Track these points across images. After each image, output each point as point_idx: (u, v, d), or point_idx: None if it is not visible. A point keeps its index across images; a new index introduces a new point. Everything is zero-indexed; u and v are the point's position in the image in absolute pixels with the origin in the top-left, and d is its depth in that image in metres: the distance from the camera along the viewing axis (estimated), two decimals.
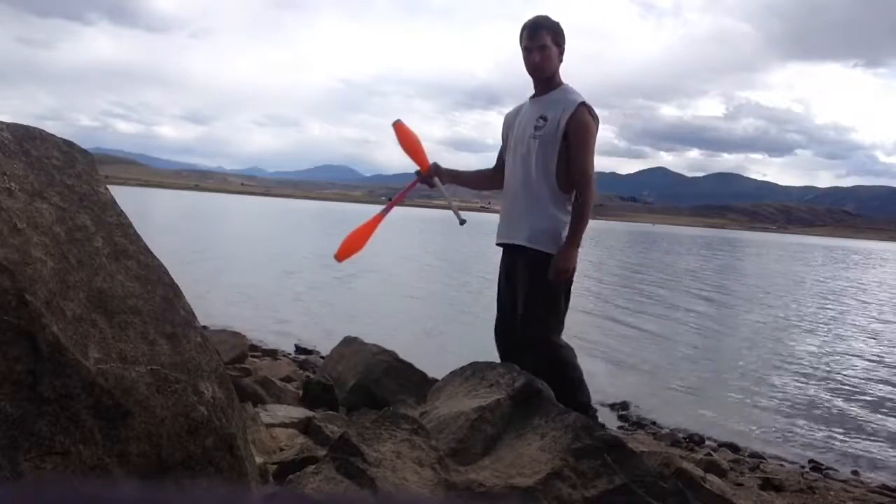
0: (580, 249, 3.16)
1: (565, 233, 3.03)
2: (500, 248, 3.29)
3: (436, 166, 3.18)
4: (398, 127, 3.18)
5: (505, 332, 3.23)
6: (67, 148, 1.80)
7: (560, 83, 3.09)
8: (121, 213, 1.80)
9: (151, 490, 0.41)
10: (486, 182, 3.48)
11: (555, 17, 3.09)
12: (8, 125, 1.69)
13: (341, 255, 2.97)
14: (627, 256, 31.05)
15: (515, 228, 3.10)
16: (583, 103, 2.99)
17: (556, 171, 3.01)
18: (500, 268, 3.27)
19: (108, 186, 1.85)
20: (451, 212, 3.29)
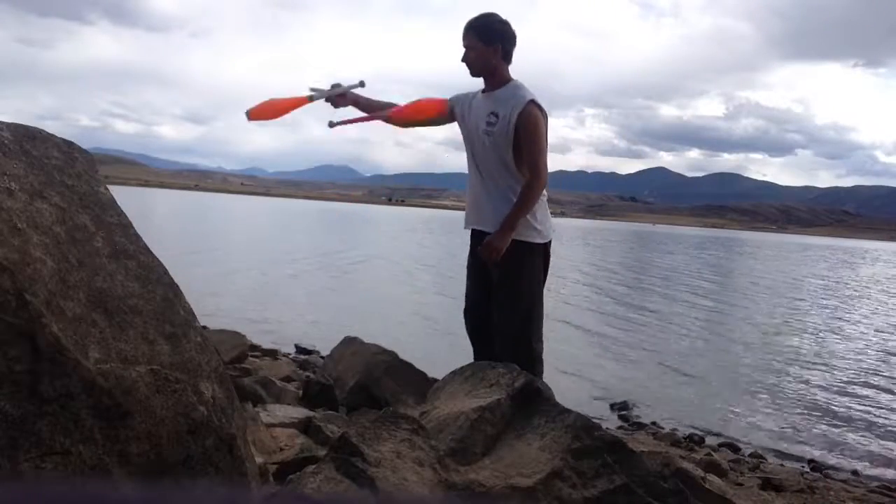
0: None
1: (535, 217, 3.09)
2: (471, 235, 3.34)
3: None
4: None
5: (474, 311, 3.28)
6: (67, 148, 1.80)
7: (508, 80, 3.15)
8: (121, 213, 1.80)
9: (151, 490, 0.41)
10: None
11: (503, 15, 3.13)
12: (8, 125, 1.69)
13: (253, 115, 2.96)
14: (626, 257, 31.05)
15: (485, 218, 3.15)
16: (532, 101, 3.05)
17: (515, 161, 3.08)
18: (471, 256, 3.30)
19: (108, 186, 1.85)
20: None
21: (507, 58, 3.14)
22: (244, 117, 2.97)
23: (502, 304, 3.11)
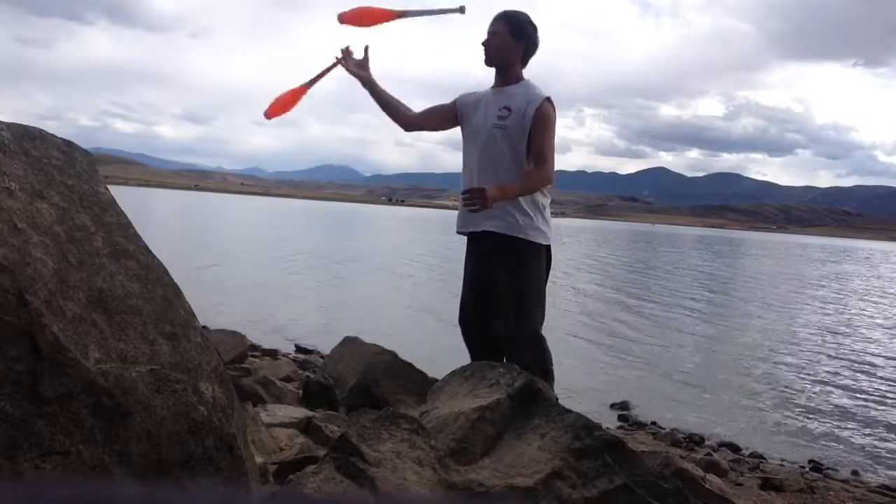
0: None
1: (544, 219, 3.05)
2: (467, 239, 3.24)
3: (366, 58, 3.17)
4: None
5: (473, 320, 3.19)
6: (67, 148, 1.80)
7: (522, 78, 3.11)
8: (121, 213, 1.80)
9: (151, 490, 0.41)
10: (397, 114, 3.30)
11: (538, 18, 3.11)
12: (8, 125, 1.69)
13: (272, 114, 3.04)
14: (626, 257, 31.05)
15: (490, 216, 3.01)
16: (549, 98, 3.04)
17: (522, 160, 3.03)
18: (471, 258, 3.21)
19: (108, 186, 1.85)
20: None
21: (525, 60, 3.11)
22: (263, 115, 3.06)
23: (513, 307, 3.03)
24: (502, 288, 3.06)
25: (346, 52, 3.16)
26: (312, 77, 3.15)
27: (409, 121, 3.32)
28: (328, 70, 3.18)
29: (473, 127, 3.16)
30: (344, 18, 3.00)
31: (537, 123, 2.99)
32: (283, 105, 3.08)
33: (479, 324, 3.18)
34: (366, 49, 3.18)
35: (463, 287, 3.27)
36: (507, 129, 3.02)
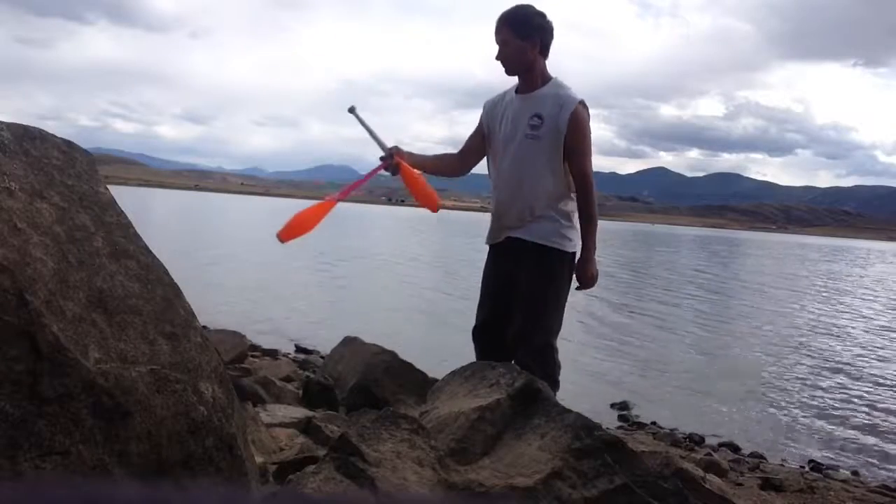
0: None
1: (571, 226, 3.01)
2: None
3: (397, 149, 2.95)
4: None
5: (492, 332, 3.11)
6: (67, 148, 1.80)
7: (548, 78, 2.98)
8: (121, 213, 1.80)
9: (151, 490, 0.41)
10: (447, 167, 3.25)
11: (539, 7, 2.95)
12: (8, 125, 1.69)
13: (285, 236, 2.61)
14: (626, 256, 31.06)
15: (522, 227, 3.00)
16: (581, 101, 2.93)
17: (557, 168, 2.96)
18: (493, 267, 3.15)
19: (108, 186, 1.85)
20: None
21: (545, 53, 2.96)
22: (277, 237, 2.62)
23: (527, 310, 2.98)
24: (520, 289, 3.00)
25: (396, 153, 2.90)
26: (345, 187, 2.80)
27: (459, 168, 3.24)
28: (370, 175, 2.93)
29: (501, 137, 3.04)
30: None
31: (573, 132, 2.89)
32: (302, 224, 2.66)
33: (495, 336, 3.09)
34: (395, 147, 2.95)
35: (481, 297, 3.18)
36: (541, 139, 2.92)
